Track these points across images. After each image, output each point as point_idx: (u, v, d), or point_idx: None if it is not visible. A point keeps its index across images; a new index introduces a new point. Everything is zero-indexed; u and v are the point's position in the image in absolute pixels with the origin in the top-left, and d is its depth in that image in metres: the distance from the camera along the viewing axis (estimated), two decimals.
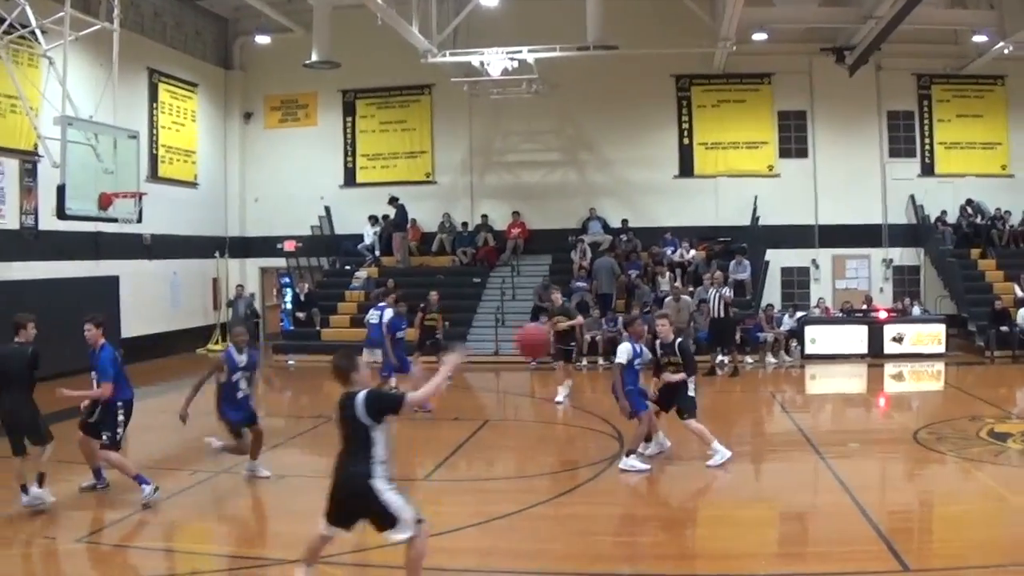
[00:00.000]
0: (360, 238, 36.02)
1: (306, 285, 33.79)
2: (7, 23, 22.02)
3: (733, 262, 31.22)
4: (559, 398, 21.48)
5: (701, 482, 14.53)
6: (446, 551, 10.67)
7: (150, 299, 31.50)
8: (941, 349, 28.72)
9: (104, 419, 13.08)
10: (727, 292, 27.36)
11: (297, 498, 13.28)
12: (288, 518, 12.66)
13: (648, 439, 15.53)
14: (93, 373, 13.39)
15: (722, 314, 26.67)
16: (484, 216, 35.64)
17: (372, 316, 21.49)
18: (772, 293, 32.62)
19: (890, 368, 27.48)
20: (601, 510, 13.04)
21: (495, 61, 29.79)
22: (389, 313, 21.02)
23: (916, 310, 30.89)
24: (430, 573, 10.22)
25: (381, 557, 10.29)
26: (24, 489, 12.33)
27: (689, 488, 14.40)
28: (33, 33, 22.36)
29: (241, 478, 14.49)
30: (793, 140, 34.30)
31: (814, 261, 34.03)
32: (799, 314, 30.02)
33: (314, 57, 29.25)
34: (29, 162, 26.29)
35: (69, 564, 11.02)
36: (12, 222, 26.17)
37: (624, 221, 34.34)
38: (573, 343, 23.23)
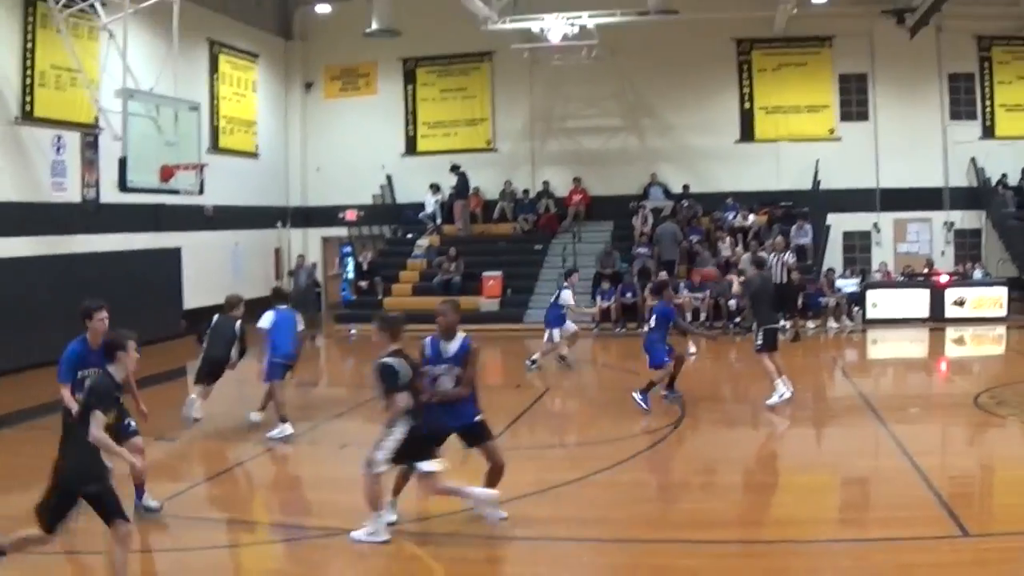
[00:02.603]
0: (421, 207, 36.13)
1: (368, 254, 34.00)
2: None
3: (795, 227, 31.18)
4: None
5: (762, 448, 14.67)
6: (508, 519, 10.86)
7: (212, 270, 31.49)
8: (1003, 313, 28.53)
9: None
10: (790, 258, 27.33)
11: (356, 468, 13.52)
12: (345, 488, 12.73)
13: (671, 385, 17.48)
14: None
15: (785, 279, 26.56)
16: (545, 183, 35.68)
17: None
18: (834, 258, 32.46)
19: (951, 332, 27.44)
20: (661, 477, 13.23)
21: (555, 27, 29.89)
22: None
23: (978, 273, 30.69)
24: (492, 541, 10.48)
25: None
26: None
27: (750, 454, 14.54)
28: (92, 6, 22.67)
29: (303, 448, 14.67)
30: (854, 104, 34.13)
31: (875, 225, 33.91)
32: (854, 279, 29.87)
33: (374, 26, 29.46)
34: (90, 135, 26.41)
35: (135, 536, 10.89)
36: (74, 195, 26.33)
37: (685, 187, 34.38)
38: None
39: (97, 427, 8.47)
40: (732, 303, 27.09)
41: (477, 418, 10.76)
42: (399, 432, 9.94)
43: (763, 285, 18.35)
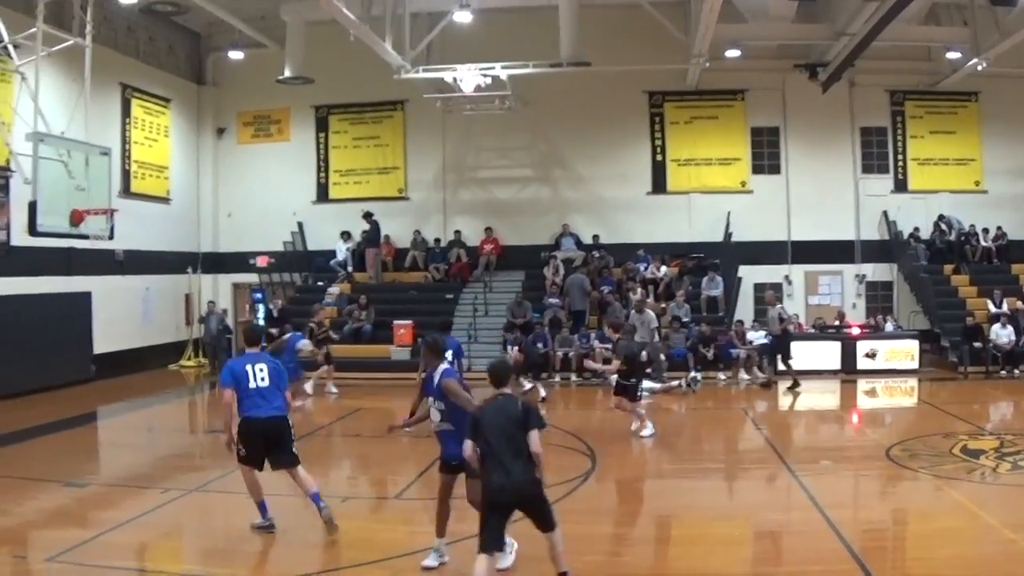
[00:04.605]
0: (333, 254, 35.89)
1: (279, 301, 33.61)
2: None
3: (706, 278, 31.33)
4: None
5: (674, 500, 14.48)
6: (416, 571, 10.58)
7: (122, 315, 31.31)
8: (914, 365, 28.79)
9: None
10: (782, 310, 27.94)
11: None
12: (256, 537, 12.54)
13: None
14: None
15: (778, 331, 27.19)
16: (457, 232, 35.52)
17: None
18: (745, 309, 32.53)
19: (863, 384, 27.56)
20: (575, 528, 12.88)
21: (468, 77, 29.77)
22: None
23: (889, 326, 30.88)
24: None
25: None
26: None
27: (662, 506, 14.35)
28: (5, 48, 22.33)
29: (213, 496, 14.31)
30: (766, 156, 34.36)
31: (787, 277, 34.07)
32: (761, 333, 29.88)
33: (287, 73, 29.36)
34: (1, 178, 25.98)
35: None
36: None
37: (595, 237, 34.38)
38: (632, 379, 19.67)
39: None
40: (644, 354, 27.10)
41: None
42: None
43: (632, 352, 19.53)
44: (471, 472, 10.03)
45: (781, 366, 27.06)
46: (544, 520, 9.62)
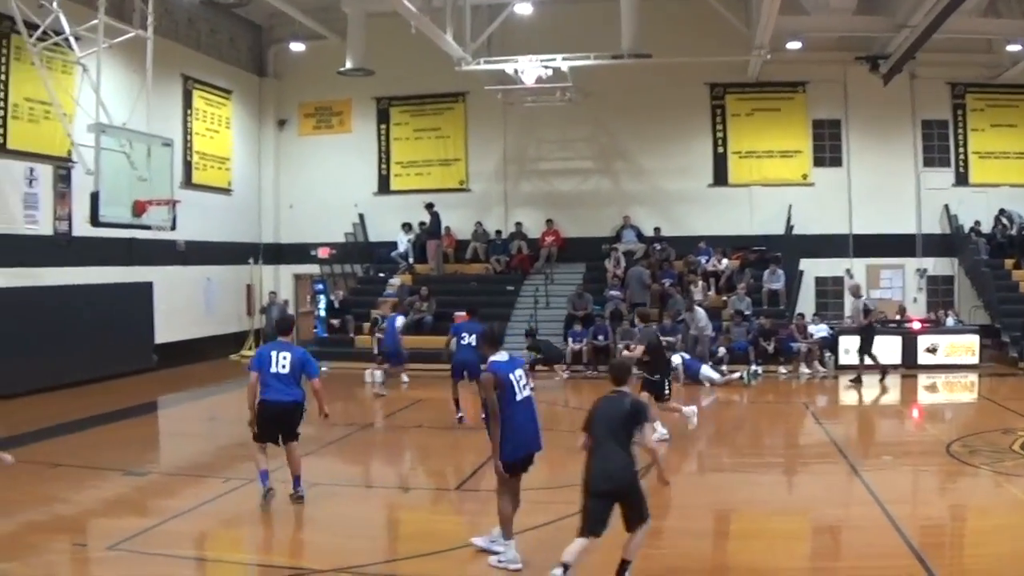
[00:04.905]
0: (394, 245, 36.13)
1: (340, 292, 33.88)
2: (41, 30, 22.27)
3: (767, 271, 31.25)
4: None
5: (733, 494, 14.53)
6: (477, 561, 10.76)
7: (184, 305, 31.69)
8: (975, 360, 28.57)
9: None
10: (867, 301, 27.88)
11: (326, 507, 13.37)
12: (316, 527, 12.82)
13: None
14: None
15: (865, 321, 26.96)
16: (518, 224, 35.66)
17: None
18: (806, 303, 32.49)
19: (924, 379, 27.33)
20: None
21: (529, 69, 29.85)
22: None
23: (950, 321, 30.64)
24: None
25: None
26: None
27: (721, 500, 14.39)
28: (67, 40, 22.58)
29: (274, 485, 14.54)
30: (827, 149, 34.21)
31: (848, 271, 33.83)
32: (823, 326, 29.75)
33: (348, 64, 29.47)
34: (63, 168, 26.51)
35: (99, 571, 11.06)
36: (46, 228, 26.35)
37: (657, 229, 34.38)
38: (657, 375, 18.57)
39: None
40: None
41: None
42: None
43: (655, 339, 18.96)
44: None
45: (839, 360, 26.99)
46: (639, 512, 9.89)
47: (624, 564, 9.94)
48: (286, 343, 13.89)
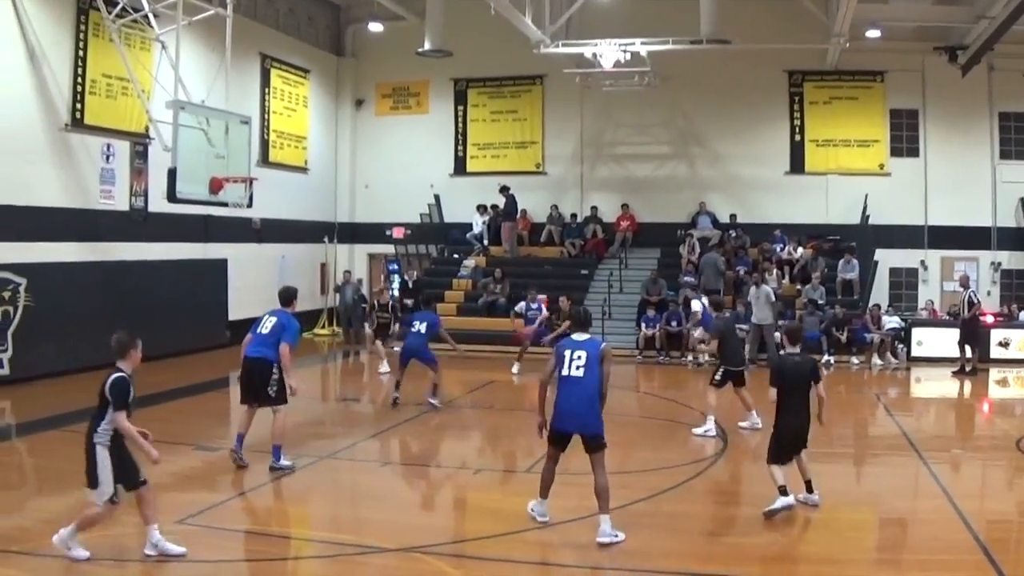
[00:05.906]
0: (468, 227, 36.43)
1: (414, 272, 34.12)
2: (120, 6, 22.63)
3: (842, 261, 31.12)
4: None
5: (801, 484, 14.60)
6: (548, 545, 11.00)
7: (258, 282, 31.58)
8: None
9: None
10: (973, 293, 27.59)
11: (393, 486, 13.60)
12: (384, 506, 13.10)
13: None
14: None
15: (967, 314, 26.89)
16: (594, 208, 35.77)
17: None
18: (880, 293, 32.34)
19: (995, 373, 27.20)
20: (702, 509, 13.18)
21: (608, 53, 29.91)
22: None
23: (1023, 315, 30.46)
24: (532, 567, 10.52)
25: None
26: None
27: (790, 489, 14.47)
28: (146, 17, 22.92)
29: (343, 463, 14.73)
30: (904, 139, 33.98)
31: (923, 262, 33.68)
32: (895, 318, 29.65)
33: (426, 45, 29.64)
34: (140, 144, 26.89)
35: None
36: (122, 203, 26.73)
37: (732, 216, 34.37)
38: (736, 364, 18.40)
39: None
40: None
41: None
42: None
43: (727, 326, 19.00)
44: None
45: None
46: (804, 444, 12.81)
47: (808, 484, 12.88)
48: (277, 310, 14.77)
